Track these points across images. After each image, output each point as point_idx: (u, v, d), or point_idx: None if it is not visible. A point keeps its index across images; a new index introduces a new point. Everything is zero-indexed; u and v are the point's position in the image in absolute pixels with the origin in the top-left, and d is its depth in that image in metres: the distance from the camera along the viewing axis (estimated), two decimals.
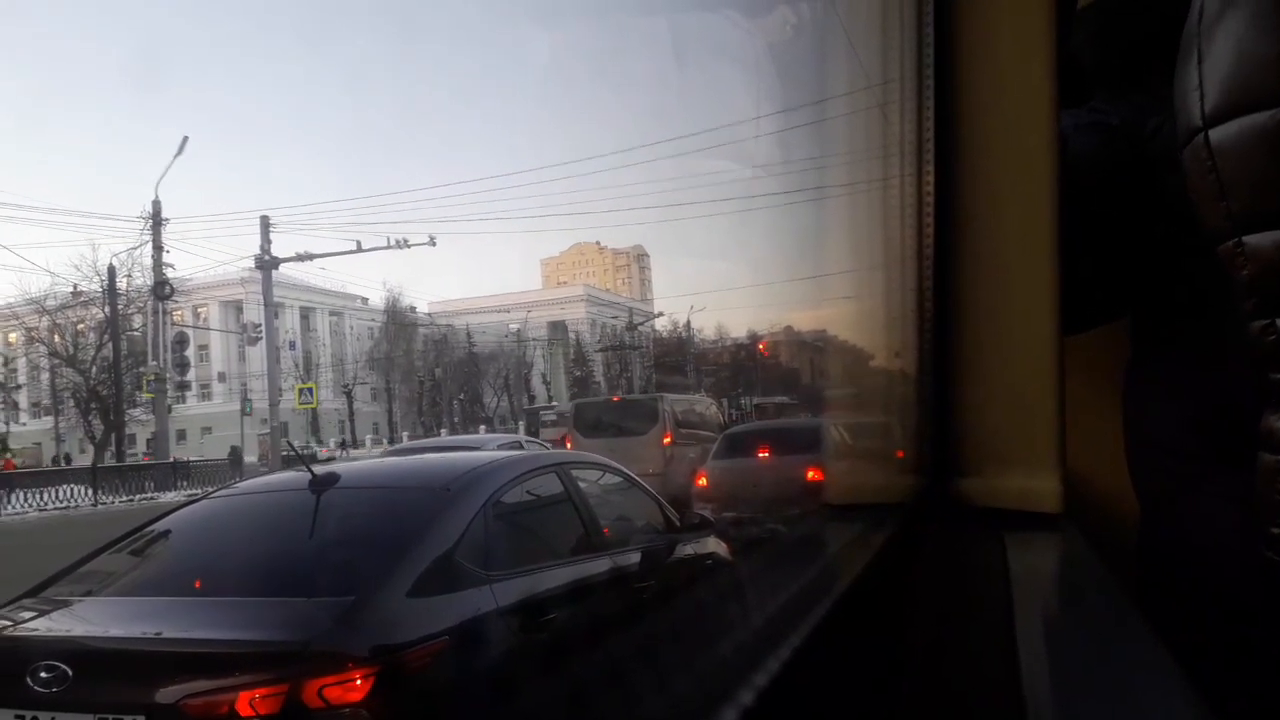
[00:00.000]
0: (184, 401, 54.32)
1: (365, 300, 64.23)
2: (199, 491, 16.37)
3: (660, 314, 63.57)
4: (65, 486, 23.62)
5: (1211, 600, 1.34)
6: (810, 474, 8.31)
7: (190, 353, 40.98)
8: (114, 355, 34.17)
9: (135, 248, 32.97)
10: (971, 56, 1.50)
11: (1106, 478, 1.59)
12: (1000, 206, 1.49)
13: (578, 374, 64.68)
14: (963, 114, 1.50)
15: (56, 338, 40.97)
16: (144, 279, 34.30)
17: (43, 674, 2.72)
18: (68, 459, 40.62)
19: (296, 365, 54.83)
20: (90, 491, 23.43)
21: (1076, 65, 1.64)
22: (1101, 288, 1.59)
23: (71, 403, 41.46)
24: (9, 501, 21.59)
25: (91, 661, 2.86)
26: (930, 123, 1.52)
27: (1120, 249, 1.52)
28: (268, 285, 31.39)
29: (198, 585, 3.42)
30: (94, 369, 37.71)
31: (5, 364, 48.03)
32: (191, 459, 31.66)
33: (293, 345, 55.76)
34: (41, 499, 22.33)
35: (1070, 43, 1.64)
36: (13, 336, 47.89)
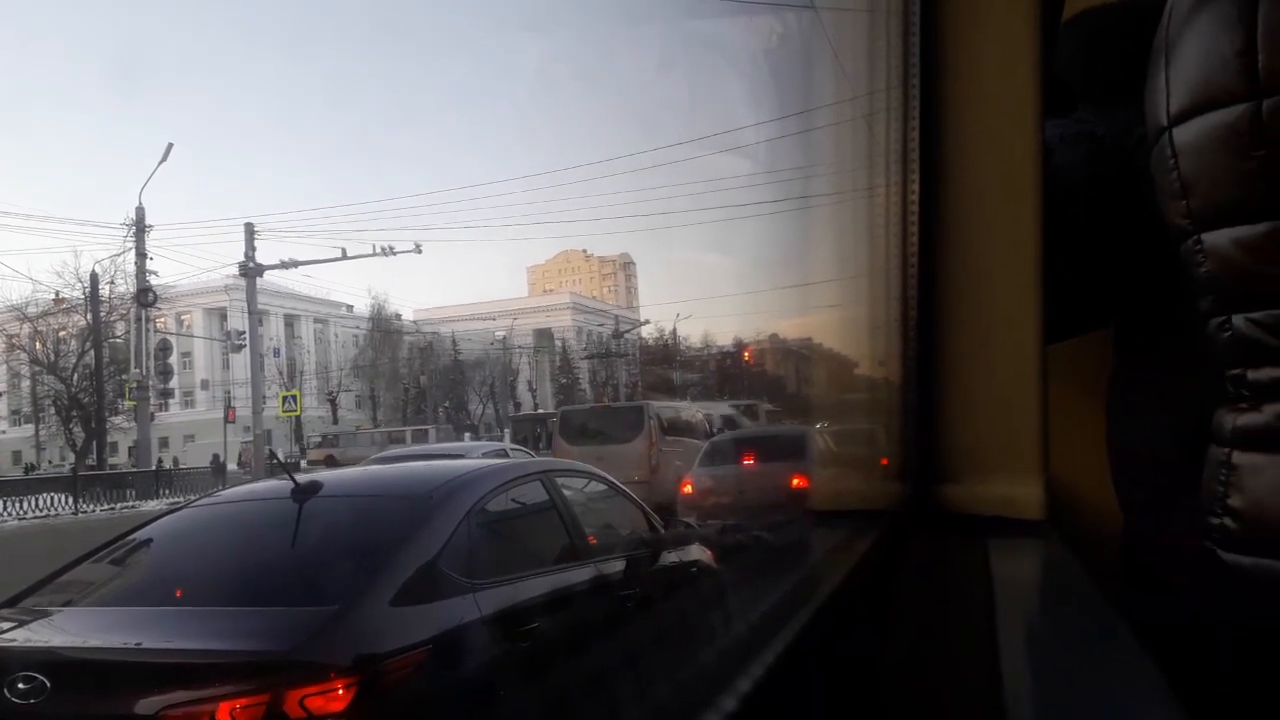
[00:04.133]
0: (166, 409, 53.94)
1: (350, 308, 63.96)
2: (180, 500, 16.25)
3: (646, 322, 63.56)
4: (45, 494, 23.38)
5: (1193, 608, 1.34)
6: (795, 481, 8.32)
7: (173, 360, 40.73)
8: (96, 363, 33.92)
9: (118, 254, 32.74)
10: (956, 67, 1.51)
11: (1089, 485, 1.60)
12: (984, 215, 1.49)
13: (564, 381, 64.57)
14: (947, 124, 1.51)
15: (38, 345, 40.62)
16: (127, 286, 34.08)
17: (20, 685, 2.69)
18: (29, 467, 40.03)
19: (280, 373, 54.54)
20: (71, 499, 23.20)
21: (1061, 78, 1.65)
22: (1085, 296, 1.60)
23: (53, 410, 41.11)
24: None
25: (70, 673, 2.83)
26: (915, 132, 1.53)
27: (1104, 258, 1.53)
28: (252, 292, 31.23)
29: (178, 595, 3.39)
30: (75, 376, 37.39)
31: None
32: (180, 466, 31.69)
33: (277, 353, 55.47)
34: (21, 507, 22.09)
35: (1055, 55, 1.65)
36: None
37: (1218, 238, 1.00)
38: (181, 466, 34.26)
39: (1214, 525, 1.08)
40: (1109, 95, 1.60)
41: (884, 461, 1.74)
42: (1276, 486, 1.01)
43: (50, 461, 45.74)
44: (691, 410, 21.49)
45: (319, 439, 41.36)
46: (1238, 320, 1.02)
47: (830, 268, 2.00)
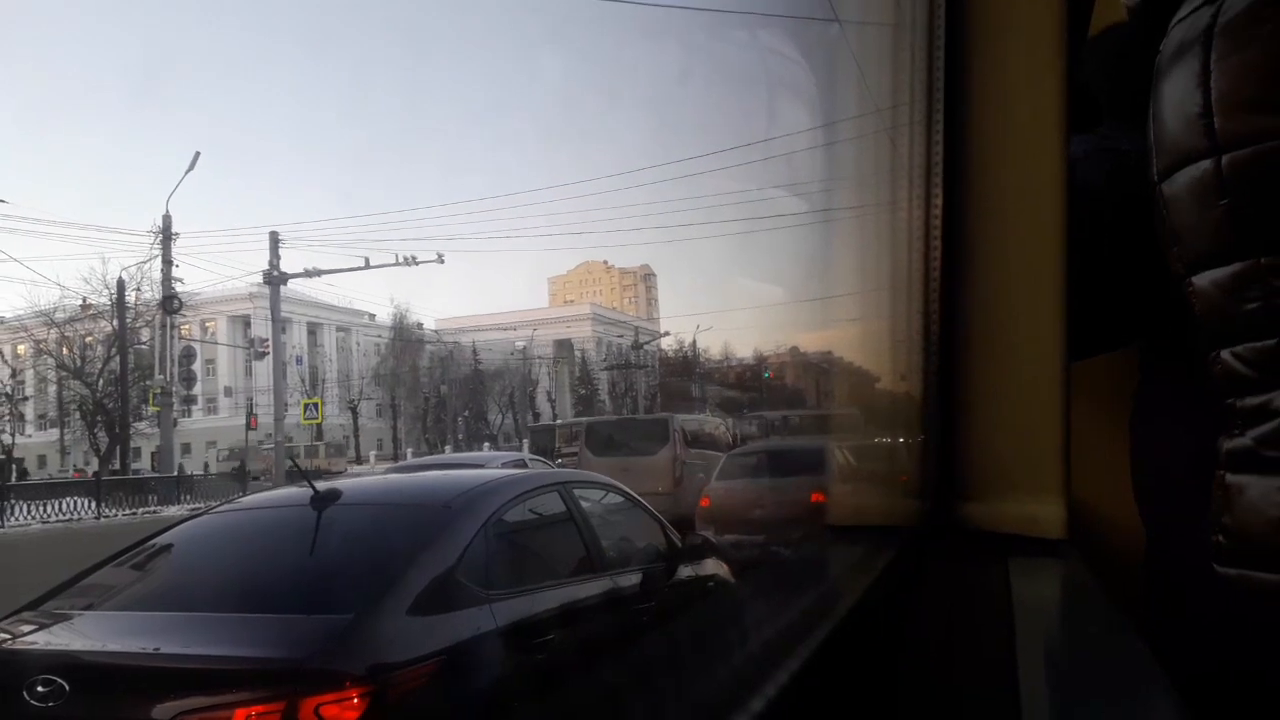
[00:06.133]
0: (190, 415, 54.42)
1: (372, 316, 64.44)
2: (201, 505, 16.37)
3: (666, 333, 63.65)
4: (69, 499, 23.61)
5: (1217, 631, 1.33)
6: (813, 496, 8.27)
7: (197, 367, 41.14)
8: (121, 368, 34.24)
9: (145, 262, 33.17)
10: (981, 82, 1.50)
11: (1111, 504, 1.58)
12: (1008, 230, 1.48)
13: (583, 392, 64.67)
14: (971, 138, 1.50)
15: (64, 350, 41.09)
16: (153, 293, 34.46)
17: (39, 688, 2.71)
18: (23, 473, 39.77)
19: (303, 380, 54.95)
20: (94, 504, 23.42)
21: (1087, 92, 1.64)
22: (1109, 314, 1.58)
23: (78, 415, 41.53)
24: (12, 514, 21.57)
25: (88, 676, 2.84)
26: (939, 146, 1.52)
27: (1129, 275, 1.52)
28: (275, 300, 31.46)
29: (197, 601, 3.41)
30: (101, 382, 37.80)
31: (13, 376, 48.16)
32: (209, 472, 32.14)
33: (299, 360, 55.90)
34: (45, 511, 22.32)
35: (1081, 70, 1.64)
36: (21, 349, 48.05)
37: (1201, 280, 1.13)
38: (211, 472, 34.57)
39: (1212, 542, 1.17)
40: (1135, 110, 1.59)
41: (903, 478, 1.73)
42: (1257, 504, 1.10)
43: (73, 466, 46.20)
44: (714, 422, 21.52)
45: (227, 452, 43.28)
46: (1224, 354, 1.13)
47: (852, 281, 1.99)
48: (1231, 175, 1.06)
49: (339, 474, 25.70)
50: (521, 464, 12.31)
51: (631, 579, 4.19)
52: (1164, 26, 1.21)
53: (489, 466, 9.37)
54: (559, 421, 45.22)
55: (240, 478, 30.98)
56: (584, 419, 29.05)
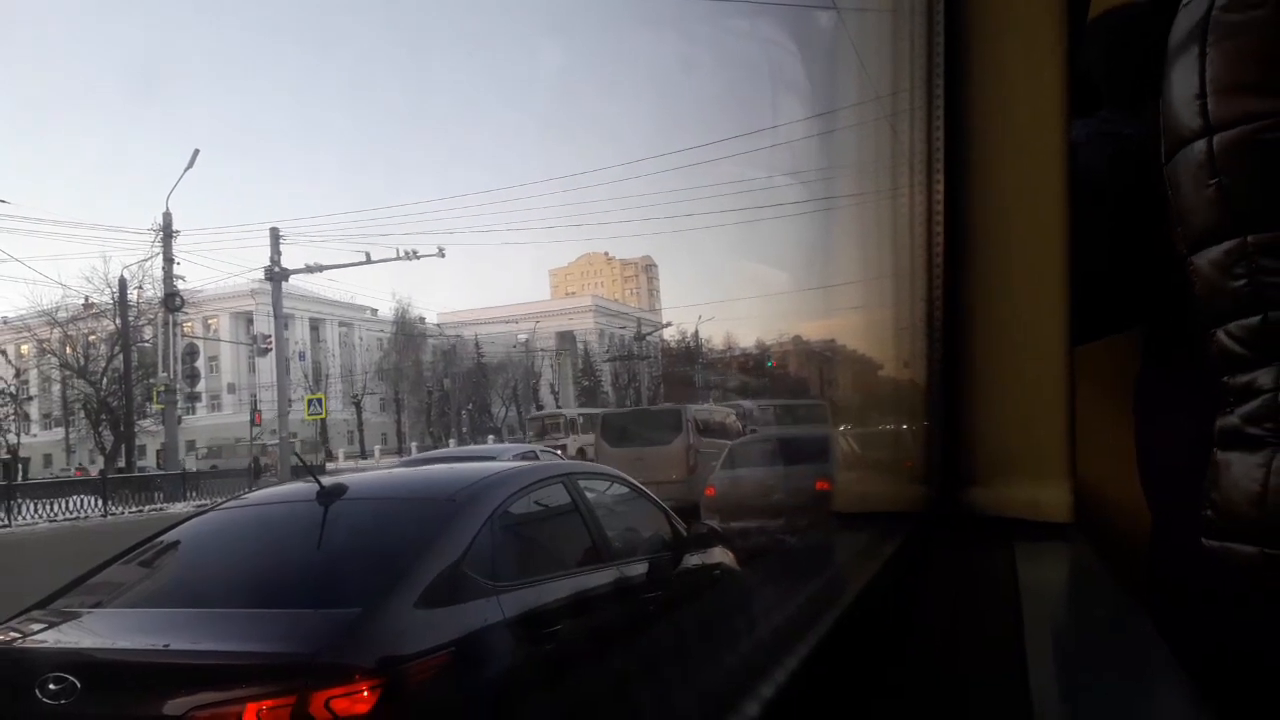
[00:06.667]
0: (194, 413, 54.49)
1: (374, 311, 64.42)
2: (208, 502, 16.39)
3: (668, 324, 63.63)
4: (75, 497, 23.66)
5: (1223, 613, 1.33)
6: (819, 484, 8.28)
7: (200, 364, 41.22)
8: (124, 367, 34.26)
9: (146, 260, 33.22)
10: (981, 67, 1.50)
11: (1116, 487, 1.58)
12: (1010, 216, 1.48)
13: (586, 384, 64.66)
14: (972, 125, 1.50)
15: (68, 349, 41.13)
16: (154, 291, 34.49)
17: (51, 686, 2.72)
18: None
19: (306, 376, 54.97)
20: (100, 502, 23.46)
21: (1086, 77, 1.64)
22: (1112, 298, 1.58)
23: (82, 414, 41.59)
24: (19, 512, 21.61)
25: (99, 673, 2.86)
26: (940, 133, 1.52)
27: (1131, 259, 1.52)
28: (277, 297, 31.45)
29: (206, 597, 3.42)
30: (105, 380, 37.84)
31: (17, 375, 48.23)
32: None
33: (302, 356, 55.91)
34: (52, 509, 22.36)
35: (1081, 56, 1.63)
36: (24, 348, 48.11)
37: (1200, 259, 1.15)
38: (224, 468, 34.65)
39: (1202, 516, 1.21)
40: (1135, 94, 1.59)
41: (908, 464, 1.73)
42: (1239, 479, 1.13)
43: (75, 465, 46.33)
44: (723, 411, 21.73)
45: (204, 451, 44.70)
46: (1219, 333, 1.15)
47: (855, 270, 1.99)
48: (1222, 155, 1.09)
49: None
50: (532, 455, 12.37)
51: (638, 569, 4.20)
52: (1173, 12, 1.22)
53: (500, 459, 9.40)
54: (531, 413, 45.32)
55: (252, 473, 31.00)
56: (562, 410, 29.31)
